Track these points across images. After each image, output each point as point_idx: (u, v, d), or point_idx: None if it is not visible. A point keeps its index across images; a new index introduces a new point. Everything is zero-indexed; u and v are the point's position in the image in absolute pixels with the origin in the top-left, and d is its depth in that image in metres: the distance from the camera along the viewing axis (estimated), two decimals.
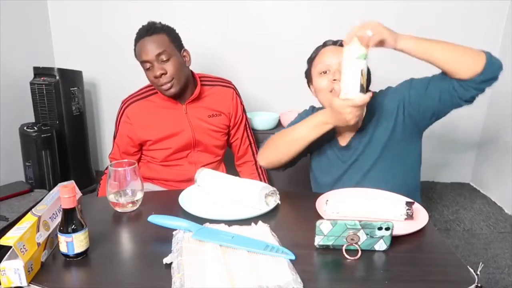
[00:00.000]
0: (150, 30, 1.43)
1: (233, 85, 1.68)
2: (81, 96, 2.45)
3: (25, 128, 2.23)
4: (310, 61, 1.31)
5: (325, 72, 1.22)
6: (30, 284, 0.75)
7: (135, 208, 1.04)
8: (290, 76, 2.61)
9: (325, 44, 1.30)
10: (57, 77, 2.29)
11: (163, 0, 2.51)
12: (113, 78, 2.70)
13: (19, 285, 0.74)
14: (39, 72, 2.32)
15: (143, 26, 1.47)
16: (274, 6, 2.48)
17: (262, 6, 2.48)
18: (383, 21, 1.02)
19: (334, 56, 1.21)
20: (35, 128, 2.23)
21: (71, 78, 2.39)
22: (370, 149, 1.23)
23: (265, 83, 2.60)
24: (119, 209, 1.03)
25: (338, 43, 1.25)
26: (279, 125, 2.31)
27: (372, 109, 1.23)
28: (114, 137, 1.61)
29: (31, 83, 2.30)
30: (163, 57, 1.42)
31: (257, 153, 1.78)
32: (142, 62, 1.43)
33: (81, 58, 2.63)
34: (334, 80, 1.19)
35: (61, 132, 2.37)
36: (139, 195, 1.04)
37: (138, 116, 1.53)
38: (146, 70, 1.45)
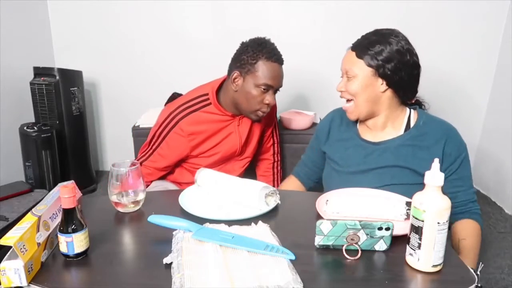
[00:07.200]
0: (281, 59, 1.42)
1: None
2: (81, 96, 2.45)
3: (25, 128, 2.23)
4: None
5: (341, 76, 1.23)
6: (30, 284, 0.75)
7: (137, 208, 1.04)
8: (290, 76, 2.61)
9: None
10: (57, 77, 2.29)
11: (163, 0, 2.51)
12: (113, 78, 2.70)
13: (19, 285, 0.74)
14: (39, 72, 2.32)
15: (270, 45, 1.40)
16: (275, 6, 2.48)
17: (263, 6, 2.48)
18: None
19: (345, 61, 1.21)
20: (35, 128, 2.22)
21: (71, 78, 2.39)
22: (390, 155, 1.20)
23: None
24: (121, 209, 1.03)
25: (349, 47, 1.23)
26: (279, 125, 2.30)
27: (424, 131, 1.20)
28: (153, 144, 1.50)
29: (31, 83, 2.30)
30: (278, 90, 1.44)
31: (278, 153, 1.78)
32: (266, 85, 1.38)
33: (81, 58, 2.63)
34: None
35: (61, 132, 2.37)
36: (141, 196, 1.04)
37: (194, 129, 1.45)
38: (260, 91, 1.38)
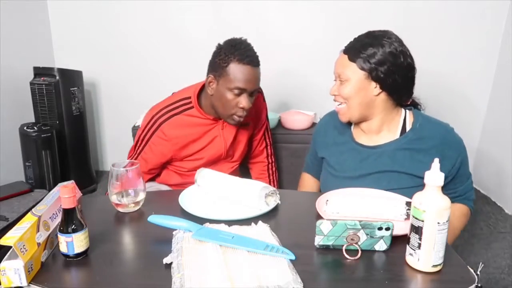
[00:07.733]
0: (255, 60, 1.34)
1: (260, 88, 1.60)
2: (81, 96, 2.45)
3: (25, 128, 2.23)
4: None
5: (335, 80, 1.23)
6: (30, 284, 0.75)
7: (137, 208, 1.04)
8: (290, 76, 2.61)
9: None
10: (57, 77, 2.29)
11: (163, 0, 2.51)
12: (113, 78, 2.70)
13: (19, 285, 0.74)
14: (39, 72, 2.32)
15: (245, 47, 1.33)
16: (275, 7, 2.48)
17: (263, 6, 2.48)
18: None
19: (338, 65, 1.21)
20: (35, 128, 2.23)
21: (71, 78, 2.39)
22: (387, 160, 1.19)
23: (265, 83, 2.59)
24: (121, 210, 1.03)
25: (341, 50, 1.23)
26: (279, 125, 2.31)
27: (426, 135, 1.18)
28: (138, 148, 1.49)
29: (31, 83, 2.30)
30: (254, 93, 1.38)
31: (272, 155, 1.76)
32: (238, 88, 1.31)
33: (81, 58, 2.63)
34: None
35: (61, 132, 2.37)
36: (142, 196, 1.04)
37: (176, 133, 1.42)
38: (234, 95, 1.33)
